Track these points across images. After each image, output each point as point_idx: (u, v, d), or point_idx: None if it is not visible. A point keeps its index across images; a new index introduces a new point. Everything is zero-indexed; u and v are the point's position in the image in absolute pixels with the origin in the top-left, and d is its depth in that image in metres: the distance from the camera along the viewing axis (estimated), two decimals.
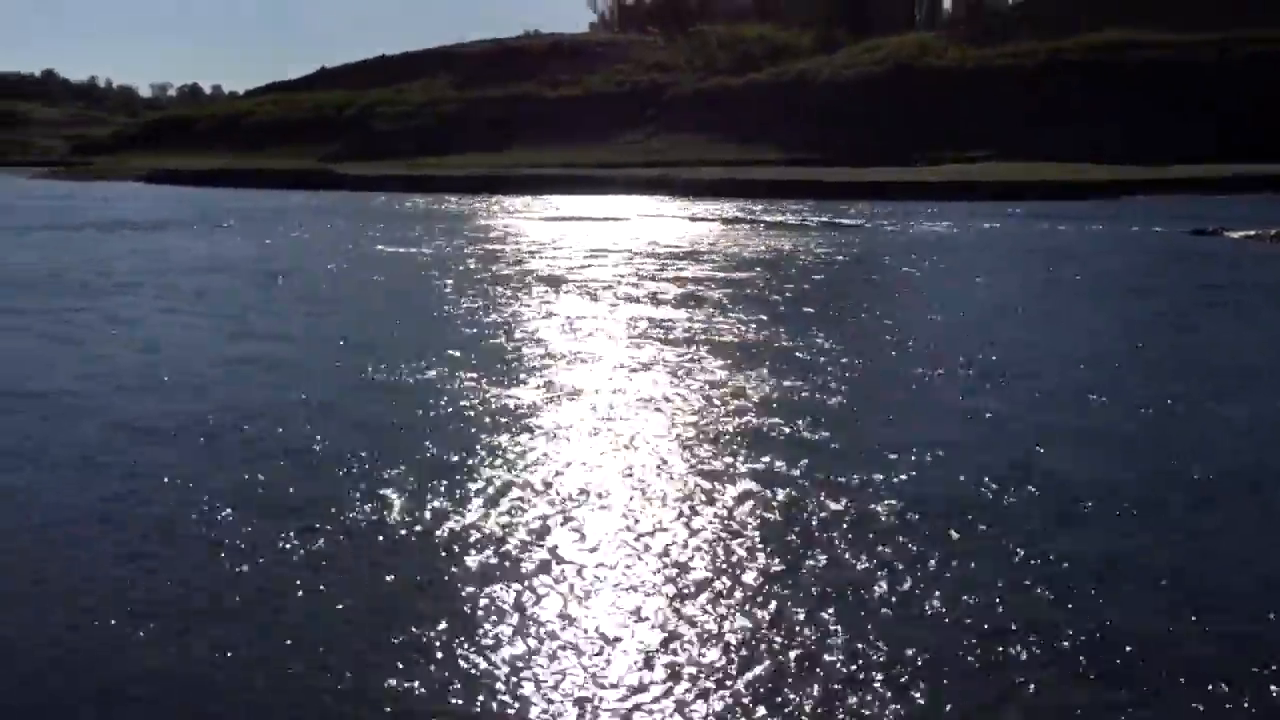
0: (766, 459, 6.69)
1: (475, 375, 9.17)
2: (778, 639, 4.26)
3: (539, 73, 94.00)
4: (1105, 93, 64.05)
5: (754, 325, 11.82)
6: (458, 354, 10.04)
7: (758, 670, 4.01)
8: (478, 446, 7.04)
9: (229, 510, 5.78)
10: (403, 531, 5.51)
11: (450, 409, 8.07)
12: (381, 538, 5.42)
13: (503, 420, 7.74)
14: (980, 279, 16.99)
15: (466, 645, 4.21)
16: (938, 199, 38.77)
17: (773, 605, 4.57)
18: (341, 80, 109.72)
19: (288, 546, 5.28)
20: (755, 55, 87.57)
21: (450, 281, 15.86)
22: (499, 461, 6.72)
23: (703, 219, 31.08)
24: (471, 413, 7.98)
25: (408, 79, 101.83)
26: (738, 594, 4.70)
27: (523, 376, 9.20)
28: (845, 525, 5.55)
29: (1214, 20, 67.40)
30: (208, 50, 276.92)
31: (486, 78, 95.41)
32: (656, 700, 3.80)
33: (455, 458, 6.74)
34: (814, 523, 5.60)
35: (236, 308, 13.39)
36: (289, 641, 4.25)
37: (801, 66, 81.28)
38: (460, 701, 3.81)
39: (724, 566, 5.02)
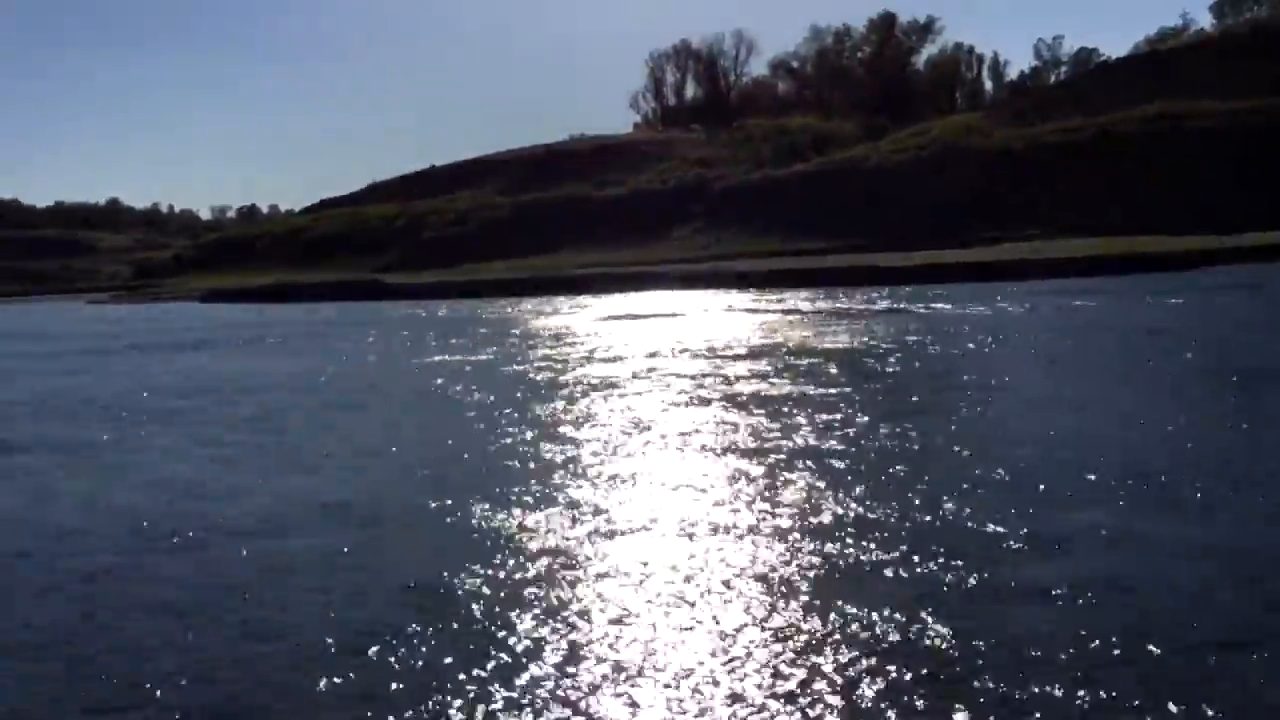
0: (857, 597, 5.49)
1: (528, 513, 8.09)
2: None
3: (585, 175, 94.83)
4: (1159, 165, 62.75)
5: (832, 433, 10.64)
6: (508, 489, 8.92)
7: None
8: (538, 606, 5.93)
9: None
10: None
11: (509, 556, 6.98)
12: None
13: (562, 561, 6.64)
14: (1097, 365, 15.72)
15: None
16: (1007, 279, 37.45)
17: None
18: (392, 193, 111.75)
19: None
20: (800, 146, 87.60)
21: (494, 395, 14.83)
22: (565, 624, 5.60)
23: (761, 311, 30.04)
24: (531, 560, 6.88)
25: (456, 188, 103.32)
26: None
27: (589, 508, 8.09)
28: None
29: (1261, 86, 66.26)
30: (264, 172, 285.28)
31: (534, 183, 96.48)
32: None
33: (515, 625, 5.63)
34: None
35: (253, 432, 12.50)
36: None
37: (848, 154, 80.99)
38: None
39: None
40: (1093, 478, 8.03)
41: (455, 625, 5.56)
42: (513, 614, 5.67)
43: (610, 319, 30.44)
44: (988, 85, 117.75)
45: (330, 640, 5.40)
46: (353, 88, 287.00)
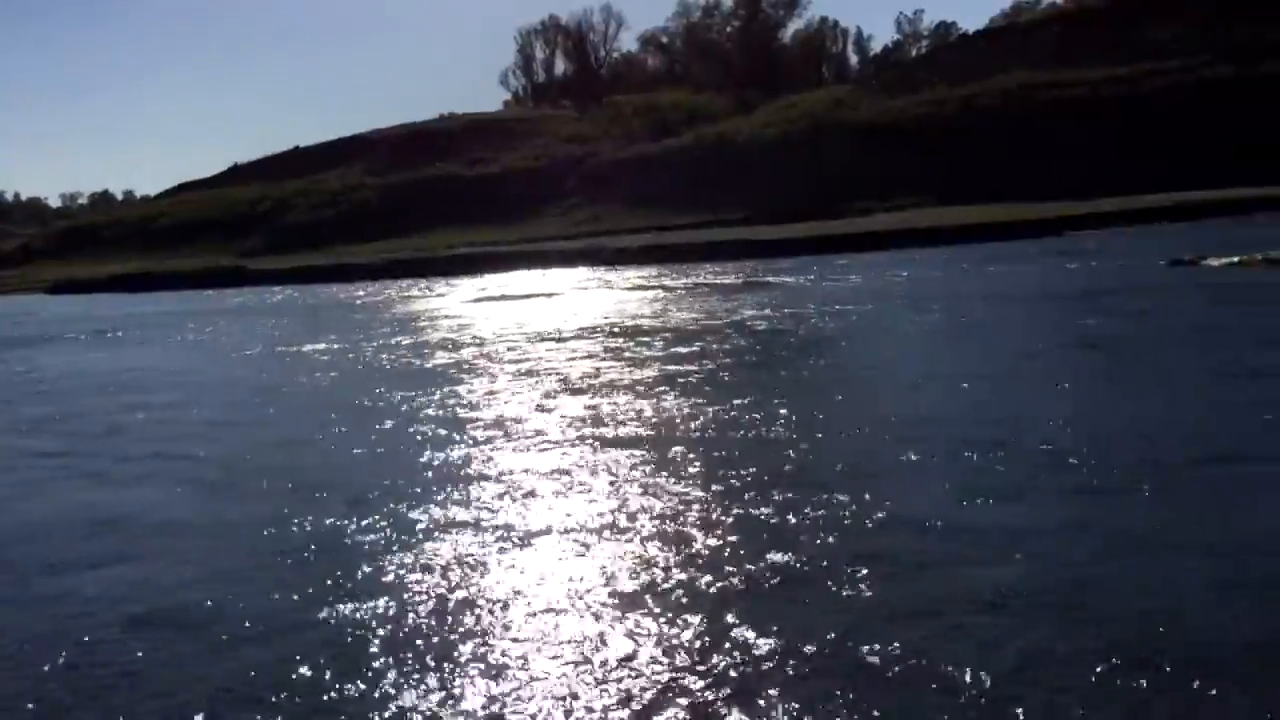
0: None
1: (413, 519, 7.24)
2: None
3: (456, 153, 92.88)
4: (1022, 134, 64.46)
5: (716, 417, 10.03)
6: (321, 492, 8.05)
7: None
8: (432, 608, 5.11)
9: None
10: None
11: (389, 566, 6.12)
12: None
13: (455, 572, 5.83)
14: (979, 329, 15.50)
15: None
16: (885, 248, 37.65)
17: None
18: (255, 175, 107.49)
19: None
20: (672, 121, 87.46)
21: (358, 385, 13.79)
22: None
23: (640, 287, 29.37)
24: (419, 561, 6.05)
25: (323, 169, 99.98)
26: None
27: (468, 509, 7.28)
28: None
29: (1117, 56, 68.63)
30: (117, 156, 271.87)
31: (403, 162, 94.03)
32: None
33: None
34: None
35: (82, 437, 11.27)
36: None
37: (719, 129, 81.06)
38: None
39: None
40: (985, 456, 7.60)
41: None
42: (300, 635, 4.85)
43: (481, 300, 29.38)
44: (853, 59, 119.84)
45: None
46: (212, 66, 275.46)
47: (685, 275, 33.28)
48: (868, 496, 6.67)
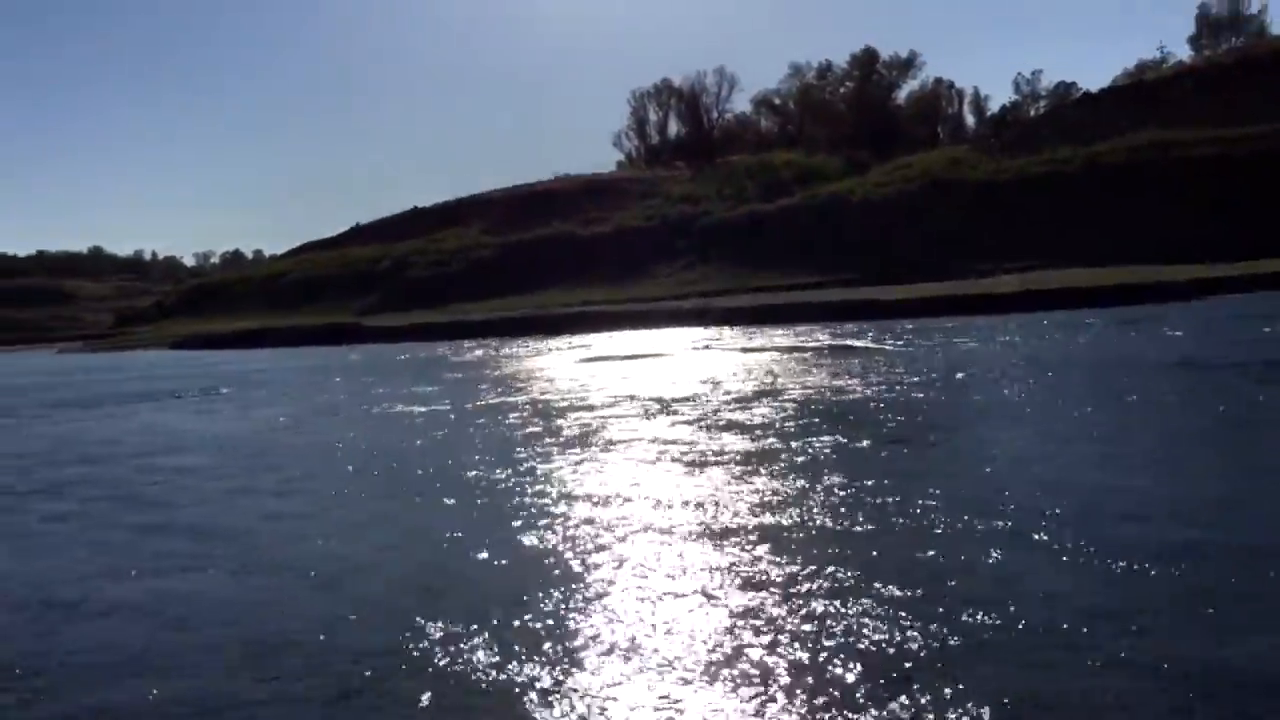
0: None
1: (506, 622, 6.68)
2: None
3: (571, 213, 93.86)
4: (1149, 195, 62.01)
5: (841, 493, 9.26)
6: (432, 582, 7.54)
7: None
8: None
9: None
10: None
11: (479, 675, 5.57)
12: None
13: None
14: (1116, 399, 14.39)
15: None
16: (1008, 311, 36.23)
17: None
18: (375, 235, 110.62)
19: None
20: (785, 180, 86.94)
21: (447, 453, 13.36)
22: None
23: (753, 350, 28.61)
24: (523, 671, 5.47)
25: (441, 229, 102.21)
26: None
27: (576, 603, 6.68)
28: None
29: (1251, 113, 65.78)
30: (248, 217, 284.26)
31: (519, 222, 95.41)
32: None
33: None
34: None
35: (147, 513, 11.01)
36: None
37: (833, 189, 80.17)
38: None
39: None
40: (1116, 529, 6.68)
41: None
42: None
43: (590, 360, 29.02)
44: (969, 119, 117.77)
45: None
46: (336, 130, 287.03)
47: (797, 337, 32.44)
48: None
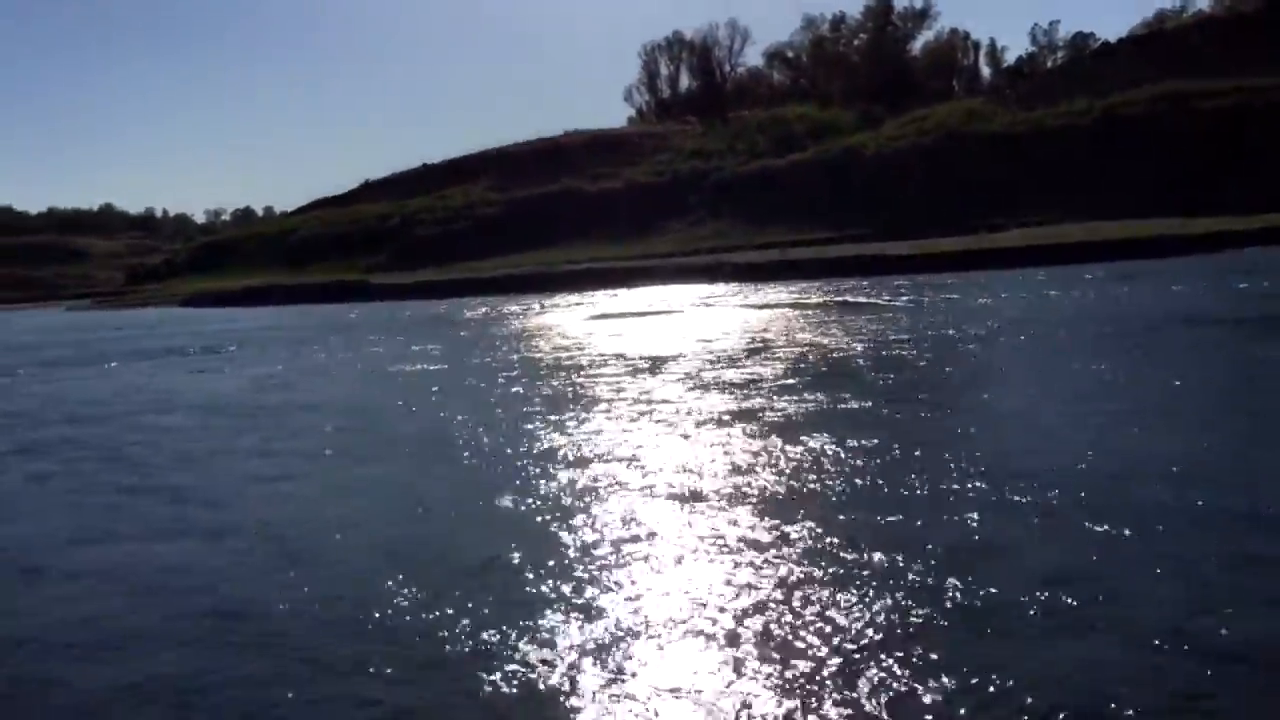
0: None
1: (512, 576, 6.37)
2: None
3: (580, 169, 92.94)
4: (1168, 146, 60.86)
5: (851, 449, 8.91)
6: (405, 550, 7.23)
7: None
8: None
9: None
10: None
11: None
12: None
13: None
14: (1144, 356, 13.96)
15: None
16: (1020, 265, 35.61)
17: None
18: (384, 191, 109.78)
19: None
20: (798, 135, 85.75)
21: (457, 412, 13.03)
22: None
23: (765, 305, 28.17)
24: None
25: (449, 185, 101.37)
26: None
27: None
28: None
29: (1270, 65, 64.36)
30: (259, 174, 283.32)
31: (527, 177, 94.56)
32: None
33: None
34: None
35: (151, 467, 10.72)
36: None
37: (847, 143, 79.06)
38: None
39: None
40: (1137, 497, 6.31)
41: None
42: None
43: (598, 318, 28.63)
44: (985, 71, 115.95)
45: None
46: (346, 85, 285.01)
47: (809, 293, 31.97)
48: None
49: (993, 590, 5.27)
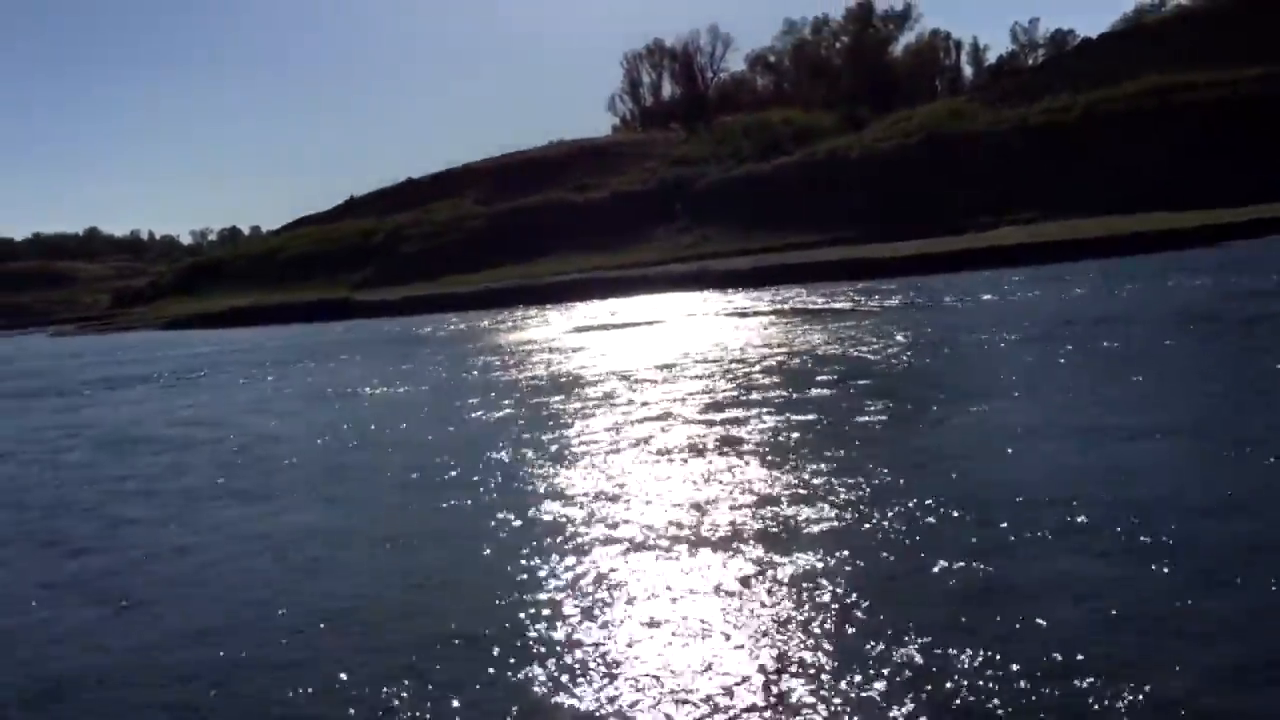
0: None
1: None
2: None
3: (565, 179, 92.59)
4: (1153, 141, 60.66)
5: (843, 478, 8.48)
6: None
7: None
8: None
9: None
10: None
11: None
12: None
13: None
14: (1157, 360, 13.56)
15: None
16: (1009, 264, 35.16)
17: None
18: (370, 207, 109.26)
19: None
20: (782, 139, 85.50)
21: (431, 437, 12.58)
22: None
23: (752, 313, 27.71)
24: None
25: (435, 199, 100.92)
26: None
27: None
28: None
29: (1255, 54, 64.22)
30: (244, 193, 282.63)
31: (512, 190, 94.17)
32: None
33: None
34: None
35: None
36: None
37: (831, 146, 78.82)
38: None
39: None
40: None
41: None
42: None
43: (583, 329, 28.17)
44: (967, 71, 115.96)
45: None
46: (329, 101, 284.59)
47: (796, 298, 31.55)
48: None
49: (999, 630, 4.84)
